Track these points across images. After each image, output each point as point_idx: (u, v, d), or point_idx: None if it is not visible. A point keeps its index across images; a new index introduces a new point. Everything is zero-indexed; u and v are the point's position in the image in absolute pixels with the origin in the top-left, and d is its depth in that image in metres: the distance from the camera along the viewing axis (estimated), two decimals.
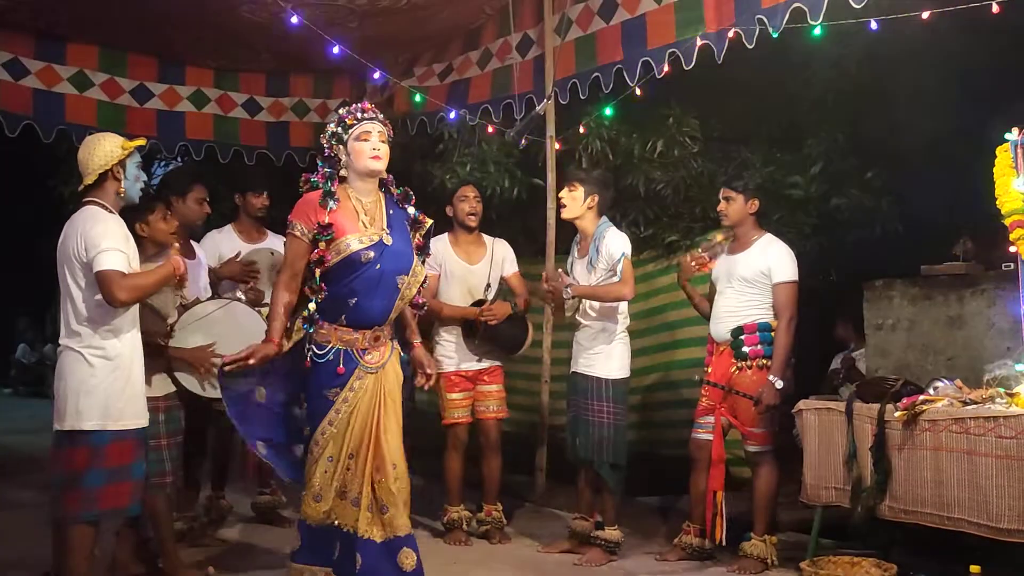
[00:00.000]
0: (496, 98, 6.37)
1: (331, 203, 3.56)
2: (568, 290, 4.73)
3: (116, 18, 6.10)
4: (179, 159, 7.54)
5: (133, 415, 3.73)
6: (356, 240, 3.54)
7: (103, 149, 3.73)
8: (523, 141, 6.10)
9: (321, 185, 3.61)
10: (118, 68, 6.68)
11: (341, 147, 3.63)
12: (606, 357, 4.78)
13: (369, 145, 3.60)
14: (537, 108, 5.81)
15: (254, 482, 5.67)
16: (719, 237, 4.99)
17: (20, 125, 6.25)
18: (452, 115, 6.48)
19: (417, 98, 6.66)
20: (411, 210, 3.77)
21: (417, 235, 3.75)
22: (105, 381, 3.64)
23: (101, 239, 3.59)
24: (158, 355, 4.13)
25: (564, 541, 5.05)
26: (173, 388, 4.28)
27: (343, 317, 3.56)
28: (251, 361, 3.50)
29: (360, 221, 3.59)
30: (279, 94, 7.37)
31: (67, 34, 6.39)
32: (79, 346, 3.64)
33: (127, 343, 3.73)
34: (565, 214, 4.91)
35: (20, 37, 6.25)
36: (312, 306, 3.57)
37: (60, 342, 3.71)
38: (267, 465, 5.52)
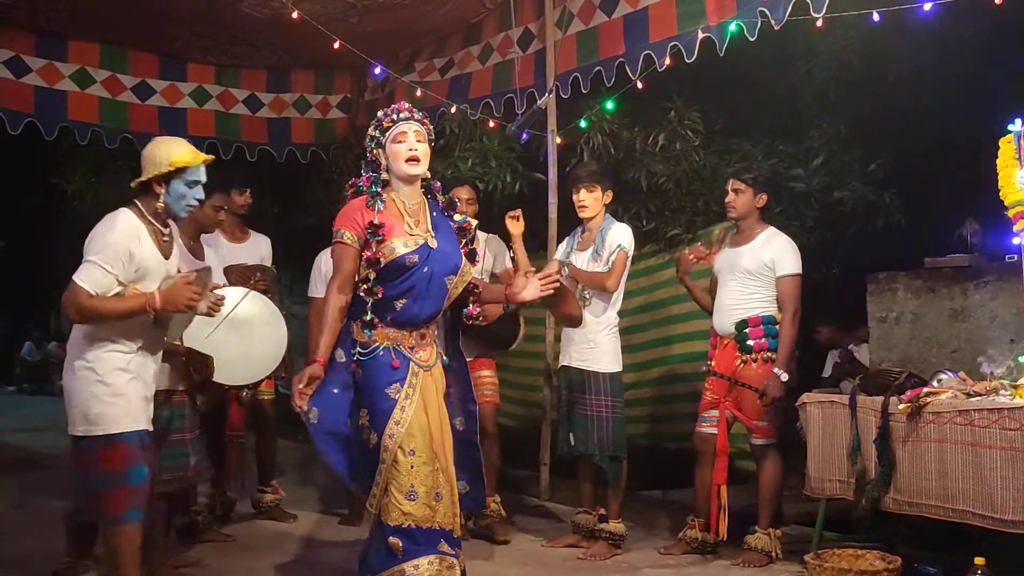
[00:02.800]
0: (497, 92, 6.36)
1: (378, 203, 3.51)
2: (566, 269, 4.77)
3: (117, 15, 6.10)
4: None
5: (130, 419, 3.50)
6: (401, 244, 3.48)
7: (154, 157, 3.52)
8: (524, 135, 6.09)
9: (366, 189, 3.56)
10: (119, 65, 6.69)
11: (380, 151, 3.58)
12: (600, 351, 4.76)
13: (405, 146, 3.53)
14: (538, 102, 5.80)
15: (248, 480, 5.66)
16: (717, 232, 4.98)
17: (22, 123, 6.27)
18: (453, 110, 6.48)
19: (418, 93, 6.65)
20: (457, 217, 3.74)
21: (464, 242, 3.69)
22: (109, 384, 3.44)
23: (96, 249, 3.39)
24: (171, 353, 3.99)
25: (568, 535, 5.04)
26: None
27: (388, 317, 3.50)
28: (304, 387, 3.38)
29: (405, 223, 3.54)
30: (280, 90, 7.38)
31: (68, 31, 6.39)
32: (76, 350, 3.49)
33: (127, 345, 3.50)
34: (585, 215, 4.87)
35: (21, 35, 6.26)
36: (369, 316, 3.48)
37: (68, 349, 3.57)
38: (265, 462, 5.62)
